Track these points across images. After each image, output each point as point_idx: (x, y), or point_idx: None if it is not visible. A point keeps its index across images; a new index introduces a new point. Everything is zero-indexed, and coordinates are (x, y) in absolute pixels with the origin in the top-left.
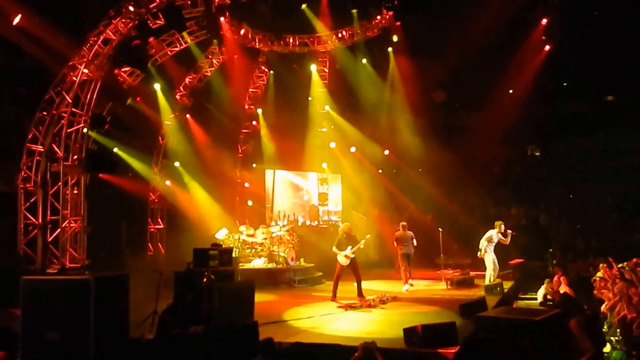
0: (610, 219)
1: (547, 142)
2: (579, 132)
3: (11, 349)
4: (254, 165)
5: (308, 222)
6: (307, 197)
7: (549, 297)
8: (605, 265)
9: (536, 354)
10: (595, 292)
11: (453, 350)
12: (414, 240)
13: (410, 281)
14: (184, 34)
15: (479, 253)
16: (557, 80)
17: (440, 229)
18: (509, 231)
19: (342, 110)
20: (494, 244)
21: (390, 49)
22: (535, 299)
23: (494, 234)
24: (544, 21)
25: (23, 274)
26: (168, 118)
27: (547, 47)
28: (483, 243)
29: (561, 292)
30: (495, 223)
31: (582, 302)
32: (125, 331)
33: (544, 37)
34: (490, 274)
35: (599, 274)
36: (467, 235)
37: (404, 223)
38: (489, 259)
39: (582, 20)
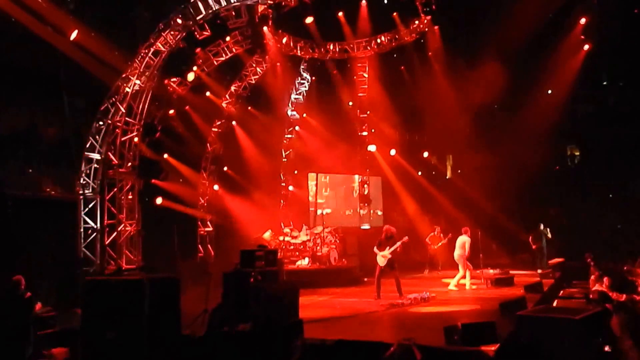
0: None
1: (587, 141)
2: (620, 132)
3: (72, 345)
4: (295, 172)
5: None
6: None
7: (590, 296)
8: None
9: (576, 353)
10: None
11: (493, 348)
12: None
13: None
14: (229, 43)
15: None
16: (596, 80)
17: (478, 230)
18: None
19: (382, 114)
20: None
21: (429, 53)
22: (574, 298)
23: (466, 239)
24: (583, 21)
25: (83, 275)
26: (215, 125)
27: (586, 47)
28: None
29: (599, 290)
30: (463, 229)
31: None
32: (178, 328)
33: (582, 37)
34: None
35: None
36: (506, 235)
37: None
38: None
39: (621, 19)
